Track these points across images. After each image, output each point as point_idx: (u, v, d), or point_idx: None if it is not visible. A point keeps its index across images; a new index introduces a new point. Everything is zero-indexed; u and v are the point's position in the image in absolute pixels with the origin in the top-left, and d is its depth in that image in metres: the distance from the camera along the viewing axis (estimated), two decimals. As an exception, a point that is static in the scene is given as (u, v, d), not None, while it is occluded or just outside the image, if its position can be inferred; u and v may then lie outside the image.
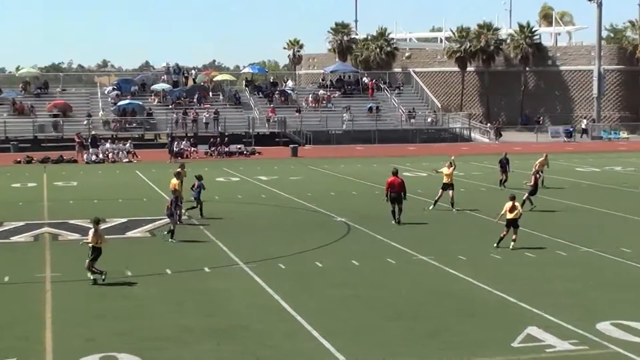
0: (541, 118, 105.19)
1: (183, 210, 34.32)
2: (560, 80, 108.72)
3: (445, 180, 38.48)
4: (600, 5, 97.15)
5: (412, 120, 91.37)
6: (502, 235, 28.98)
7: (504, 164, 46.63)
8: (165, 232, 31.31)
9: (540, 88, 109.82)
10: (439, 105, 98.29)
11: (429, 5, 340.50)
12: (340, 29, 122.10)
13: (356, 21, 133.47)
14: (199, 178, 36.90)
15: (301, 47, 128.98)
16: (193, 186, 36.57)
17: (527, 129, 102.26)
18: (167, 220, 32.11)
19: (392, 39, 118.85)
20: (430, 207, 38.27)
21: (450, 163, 38.91)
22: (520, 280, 24.10)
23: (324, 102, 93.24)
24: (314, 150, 78.13)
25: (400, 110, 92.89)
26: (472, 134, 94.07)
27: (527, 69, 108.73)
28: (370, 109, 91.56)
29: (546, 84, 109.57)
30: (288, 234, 32.39)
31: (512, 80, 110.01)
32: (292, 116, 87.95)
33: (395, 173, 34.52)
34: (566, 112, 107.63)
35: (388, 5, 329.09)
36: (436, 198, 38.50)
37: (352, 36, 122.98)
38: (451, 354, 17.46)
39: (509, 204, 28.91)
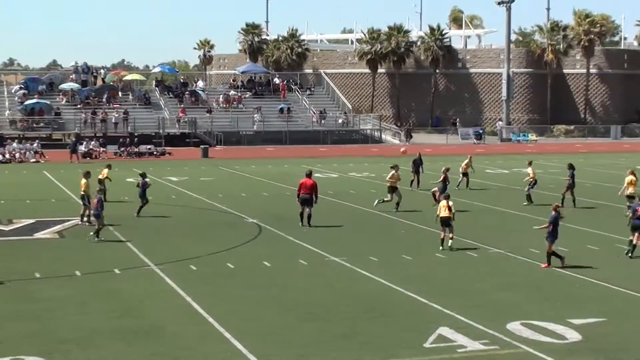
0: (457, 120, 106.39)
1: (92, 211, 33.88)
2: (470, 83, 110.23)
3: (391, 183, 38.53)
4: (509, 9, 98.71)
5: (323, 122, 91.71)
6: (442, 237, 29.30)
7: (418, 165, 47.12)
8: (92, 233, 30.81)
9: (450, 90, 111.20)
10: (350, 107, 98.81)
11: (340, 6, 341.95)
12: (251, 29, 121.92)
13: (267, 22, 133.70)
14: (143, 176, 37.12)
15: (212, 47, 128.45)
16: (138, 184, 36.79)
17: (437, 130, 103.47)
18: (76, 221, 31.68)
19: (303, 40, 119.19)
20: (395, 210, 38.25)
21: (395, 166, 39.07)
22: (431, 281, 24.34)
23: (234, 102, 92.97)
24: (224, 151, 77.87)
25: (311, 112, 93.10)
26: (383, 136, 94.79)
27: (438, 71, 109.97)
28: (282, 110, 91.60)
29: (456, 86, 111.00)
30: (199, 235, 32.22)
31: (423, 82, 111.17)
32: (203, 117, 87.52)
33: (308, 175, 34.46)
34: (476, 114, 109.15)
35: (299, 6, 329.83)
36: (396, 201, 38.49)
37: (263, 37, 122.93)
38: (364, 355, 17.52)
39: (443, 203, 29.30)
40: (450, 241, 29.15)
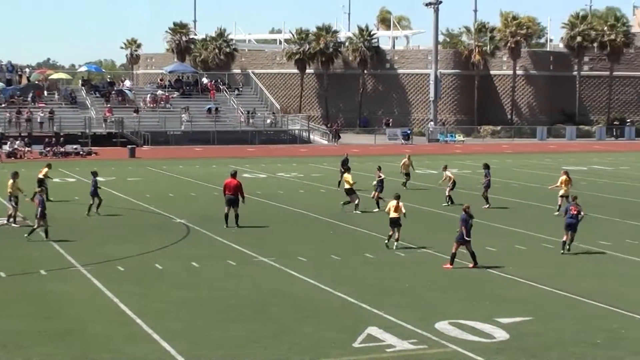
0: (390, 120, 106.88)
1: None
2: (398, 83, 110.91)
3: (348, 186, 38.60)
4: (437, 11, 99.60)
5: (251, 122, 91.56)
6: (389, 234, 29.51)
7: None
8: (29, 234, 30.41)
9: (378, 91, 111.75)
10: (278, 107, 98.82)
11: (268, 7, 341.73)
12: (179, 29, 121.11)
13: (195, 21, 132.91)
14: (94, 174, 37.05)
15: (139, 46, 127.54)
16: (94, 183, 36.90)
17: (365, 131, 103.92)
18: (1, 222, 31.20)
19: (231, 40, 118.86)
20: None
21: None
22: (360, 281, 24.43)
23: (162, 102, 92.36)
24: (152, 151, 77.33)
25: (239, 112, 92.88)
26: (311, 136, 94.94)
27: (366, 71, 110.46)
28: (209, 110, 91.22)
29: (384, 86, 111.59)
30: (127, 236, 31.96)
31: (351, 82, 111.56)
32: (130, 116, 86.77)
33: (233, 175, 34.29)
34: (404, 114, 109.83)
35: (227, 6, 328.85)
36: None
37: (191, 36, 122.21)
38: (293, 355, 17.53)
39: (393, 203, 29.40)
40: (395, 243, 29.30)
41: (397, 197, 29.76)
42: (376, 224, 34.70)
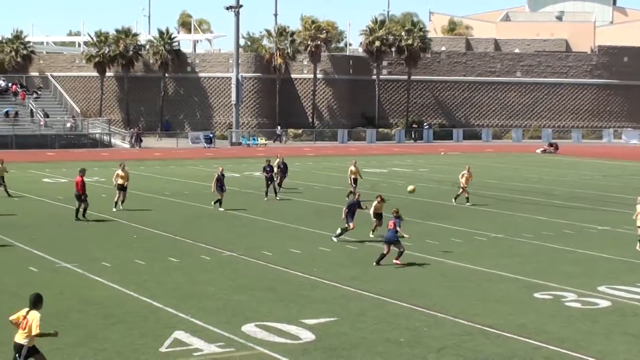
0: (187, 125, 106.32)
1: None
2: (200, 87, 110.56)
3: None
4: (237, 14, 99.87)
5: (45, 123, 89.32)
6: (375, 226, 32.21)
7: (284, 169, 47.33)
8: None
9: (180, 94, 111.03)
10: (79, 111, 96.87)
11: (66, 8, 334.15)
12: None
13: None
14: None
15: None
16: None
17: (167, 135, 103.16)
18: None
19: (29, 42, 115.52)
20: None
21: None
22: (166, 286, 24.28)
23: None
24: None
25: (38, 115, 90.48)
26: (113, 140, 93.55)
27: (167, 75, 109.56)
28: (7, 113, 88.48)
29: (186, 90, 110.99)
30: None
31: (152, 86, 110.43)
32: None
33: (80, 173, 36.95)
34: (206, 118, 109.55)
35: (23, 7, 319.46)
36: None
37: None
38: (99, 362, 17.29)
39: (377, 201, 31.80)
40: (372, 232, 32.49)
41: (379, 197, 32.56)
42: (180, 229, 34.58)
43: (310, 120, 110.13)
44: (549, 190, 51.11)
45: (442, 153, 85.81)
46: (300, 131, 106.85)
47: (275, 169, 46.80)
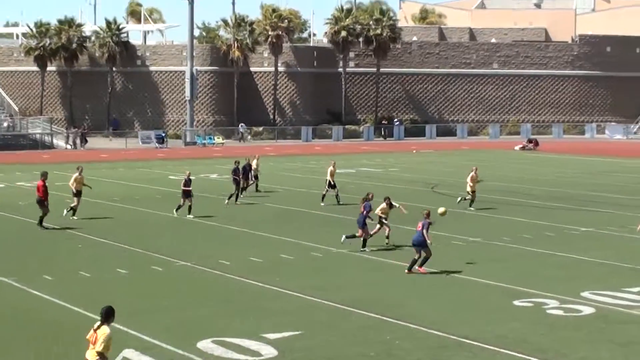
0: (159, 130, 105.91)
1: None
2: (151, 82, 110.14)
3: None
4: (192, 3, 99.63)
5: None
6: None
7: (247, 171, 47.41)
8: None
9: (129, 90, 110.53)
10: (17, 109, 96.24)
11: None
12: None
13: None
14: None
15: None
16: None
17: (116, 134, 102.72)
18: None
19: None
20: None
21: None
22: (114, 300, 24.03)
23: None
24: None
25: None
26: (55, 140, 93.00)
27: (115, 69, 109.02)
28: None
29: (135, 85, 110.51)
30: None
31: (99, 81, 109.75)
32: None
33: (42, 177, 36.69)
34: (157, 115, 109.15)
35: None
36: None
37: None
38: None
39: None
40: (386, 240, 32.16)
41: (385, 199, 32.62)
42: (128, 238, 34.43)
43: (272, 117, 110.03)
44: (528, 190, 51.38)
45: (414, 151, 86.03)
46: (260, 129, 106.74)
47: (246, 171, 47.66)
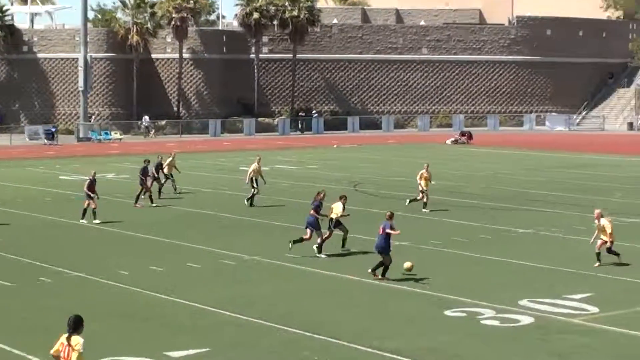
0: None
1: None
2: (39, 71, 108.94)
3: None
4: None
5: None
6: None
7: (158, 171, 47.31)
8: None
9: (14, 80, 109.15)
10: None
11: None
12: None
13: None
14: None
15: None
16: None
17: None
18: None
19: None
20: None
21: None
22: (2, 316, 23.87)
23: None
24: None
25: None
26: None
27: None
28: None
29: (22, 74, 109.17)
30: None
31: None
32: None
33: None
34: (47, 108, 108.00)
35: None
36: None
37: None
38: None
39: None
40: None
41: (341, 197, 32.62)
42: (9, 242, 34.06)
43: (176, 109, 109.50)
44: (461, 188, 51.83)
45: (335, 146, 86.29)
46: (163, 123, 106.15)
47: (165, 170, 48.24)
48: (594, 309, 24.23)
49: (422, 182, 43.33)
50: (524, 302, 24.94)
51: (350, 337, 21.60)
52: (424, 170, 43.57)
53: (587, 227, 36.65)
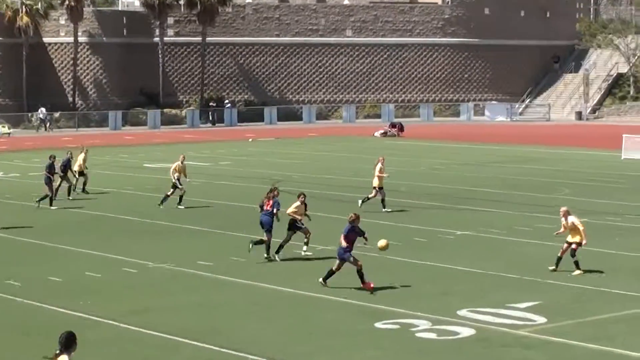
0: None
1: None
2: None
3: None
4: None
5: None
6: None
7: (66, 168, 47.26)
8: None
9: None
10: None
11: None
12: None
13: None
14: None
15: None
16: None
17: None
18: None
19: None
20: None
21: None
22: None
23: None
24: None
25: None
26: None
27: None
28: None
29: None
30: None
31: None
32: None
33: None
34: None
35: None
36: None
37: None
38: None
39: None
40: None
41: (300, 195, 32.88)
42: None
43: (71, 99, 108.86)
44: (392, 186, 51.93)
45: (250, 140, 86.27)
46: (57, 115, 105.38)
47: (77, 167, 48.41)
48: (541, 319, 24.36)
49: (375, 180, 43.39)
50: (463, 312, 25.09)
51: (270, 353, 21.60)
52: (380, 165, 43.51)
53: (532, 228, 37.17)
